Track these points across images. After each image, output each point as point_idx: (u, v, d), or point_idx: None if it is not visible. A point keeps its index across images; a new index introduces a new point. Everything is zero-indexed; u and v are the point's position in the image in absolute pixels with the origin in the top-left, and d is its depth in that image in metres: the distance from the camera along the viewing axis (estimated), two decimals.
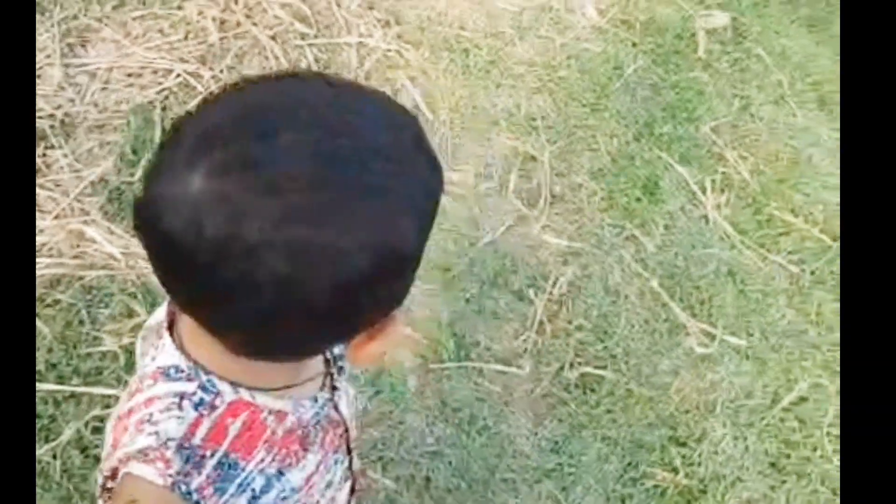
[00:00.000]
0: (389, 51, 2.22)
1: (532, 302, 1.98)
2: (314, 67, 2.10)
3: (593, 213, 2.15)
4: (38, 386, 1.59)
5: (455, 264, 1.99)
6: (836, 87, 2.63)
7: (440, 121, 2.16)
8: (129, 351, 1.64)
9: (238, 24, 2.08)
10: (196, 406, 0.74)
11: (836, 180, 2.40)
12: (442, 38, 2.31)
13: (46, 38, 1.97)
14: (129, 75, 2.00)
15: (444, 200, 2.06)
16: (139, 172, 1.86)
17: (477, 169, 2.14)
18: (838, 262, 2.23)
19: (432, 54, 2.26)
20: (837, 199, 2.36)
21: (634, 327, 1.99)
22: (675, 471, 1.83)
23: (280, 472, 0.79)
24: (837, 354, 2.05)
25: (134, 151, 1.91)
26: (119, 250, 1.73)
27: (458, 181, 2.10)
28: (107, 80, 1.96)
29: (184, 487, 0.71)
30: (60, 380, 1.63)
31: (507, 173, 2.16)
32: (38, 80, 1.90)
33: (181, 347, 0.75)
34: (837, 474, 1.86)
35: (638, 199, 2.21)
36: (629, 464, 1.82)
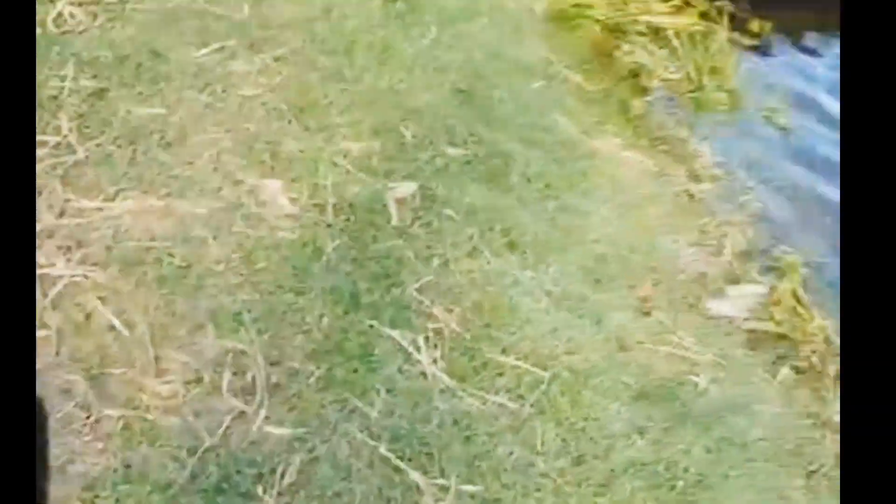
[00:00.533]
0: (75, 276, 2.17)
1: (262, 499, 1.92)
2: None
3: (313, 394, 2.16)
4: None
5: (175, 480, 1.90)
6: (524, 231, 2.86)
7: (138, 335, 2.12)
8: None
9: None
10: None
11: (538, 314, 2.59)
12: (131, 252, 2.29)
13: None
14: None
15: (154, 415, 1.99)
16: None
17: (185, 376, 2.10)
18: (553, 389, 2.37)
19: (122, 271, 2.24)
20: (542, 332, 2.53)
21: (370, 499, 1.98)
22: None
23: None
24: (567, 479, 2.15)
25: None
26: None
27: (167, 393, 2.04)
28: None
29: None
30: None
31: (218, 374, 2.13)
32: None
33: None
34: None
35: (355, 371, 2.25)
36: None
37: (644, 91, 3.81)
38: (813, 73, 4.28)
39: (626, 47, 4.04)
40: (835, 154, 3.74)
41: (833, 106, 3.98)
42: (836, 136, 3.85)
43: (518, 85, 3.49)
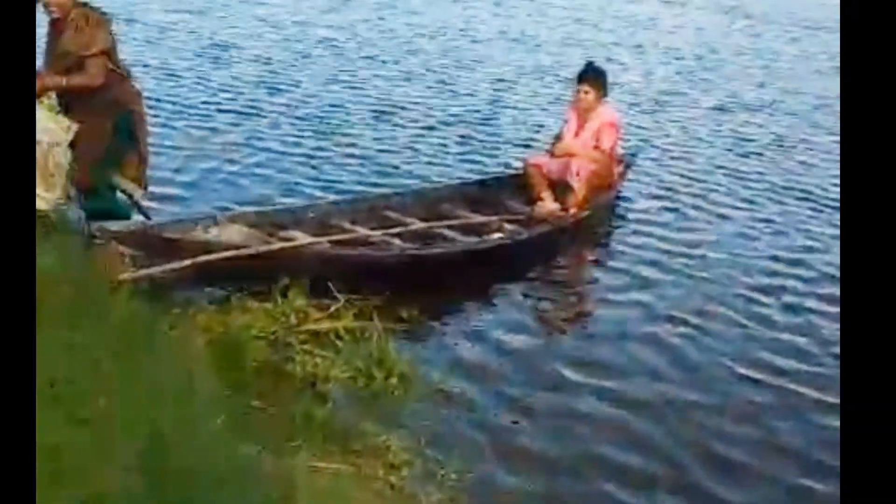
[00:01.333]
0: None
1: None
2: None
3: None
4: None
5: None
6: None
7: None
8: None
9: None
10: None
11: None
12: None
13: None
14: None
15: None
16: None
17: None
18: None
19: None
20: None
21: None
22: None
23: None
24: None
25: None
26: None
27: None
28: None
29: None
30: None
31: None
32: None
33: None
34: None
35: None
36: None
37: (323, 397, 3.98)
38: (476, 331, 4.80)
39: (296, 358, 4.23)
40: (503, 413, 4.13)
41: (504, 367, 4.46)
42: (499, 393, 4.27)
43: (199, 427, 3.47)
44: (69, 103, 4.61)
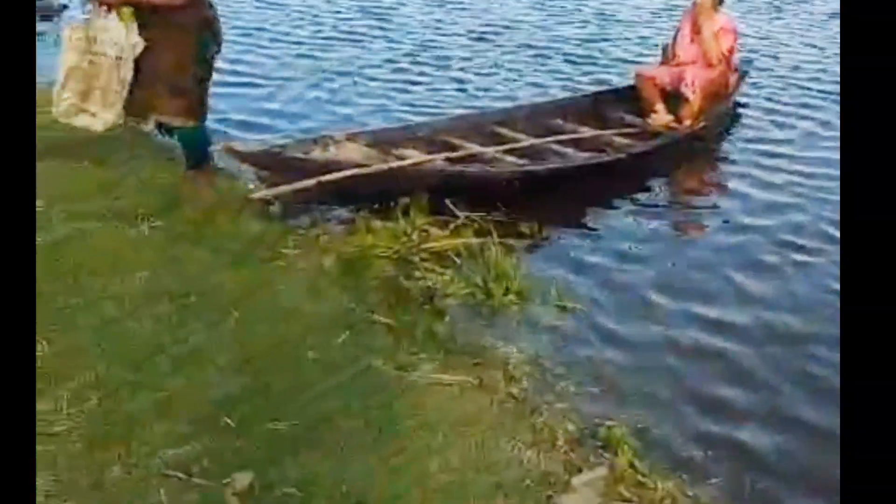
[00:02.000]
0: None
1: None
2: None
3: None
4: None
5: None
6: (368, 485, 2.86)
7: None
8: None
9: None
10: None
11: None
12: None
13: None
14: None
15: None
16: None
17: None
18: None
19: None
20: None
21: None
22: None
23: None
24: None
25: None
26: None
27: None
28: None
29: None
30: None
31: None
32: None
33: None
34: None
35: None
36: None
37: (442, 312, 4.03)
38: (593, 247, 4.76)
39: (416, 274, 4.29)
40: (622, 326, 4.09)
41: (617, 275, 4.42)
42: (619, 307, 4.23)
43: (325, 342, 3.58)
44: (145, 21, 4.34)
